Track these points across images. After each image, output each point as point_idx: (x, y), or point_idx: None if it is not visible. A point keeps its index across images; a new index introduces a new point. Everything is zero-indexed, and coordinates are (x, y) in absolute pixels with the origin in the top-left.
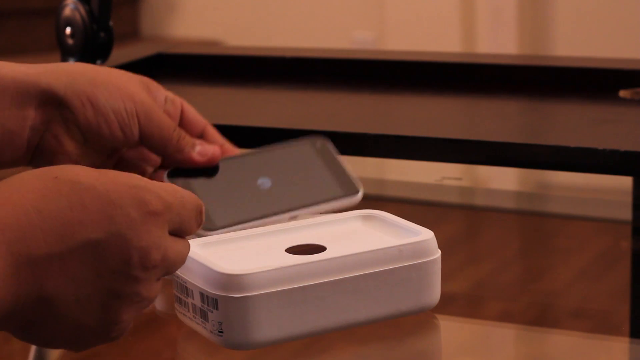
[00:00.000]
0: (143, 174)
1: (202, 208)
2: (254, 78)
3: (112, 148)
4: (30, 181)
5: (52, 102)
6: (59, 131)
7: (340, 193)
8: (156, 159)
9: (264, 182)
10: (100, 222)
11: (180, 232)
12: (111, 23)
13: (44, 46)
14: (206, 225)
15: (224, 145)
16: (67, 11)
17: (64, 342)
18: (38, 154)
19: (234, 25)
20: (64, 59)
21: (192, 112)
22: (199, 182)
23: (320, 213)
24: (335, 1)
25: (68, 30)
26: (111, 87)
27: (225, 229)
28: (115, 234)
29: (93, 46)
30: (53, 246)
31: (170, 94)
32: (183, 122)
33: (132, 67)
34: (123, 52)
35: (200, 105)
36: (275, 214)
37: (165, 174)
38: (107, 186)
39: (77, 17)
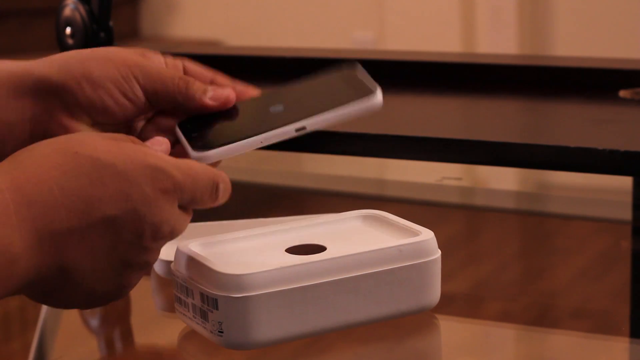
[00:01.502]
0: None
1: (218, 183)
2: (254, 78)
3: (124, 119)
4: (52, 156)
5: (49, 90)
6: (63, 118)
7: (352, 97)
8: (172, 123)
9: (277, 108)
10: (118, 199)
11: (193, 206)
12: (111, 23)
13: (44, 46)
14: (211, 142)
15: (237, 85)
16: (67, 11)
17: (77, 304)
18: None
19: (234, 25)
20: None
21: (195, 67)
22: (206, 121)
23: (332, 123)
24: (335, 1)
25: (68, 30)
26: (102, 60)
27: (232, 144)
28: (131, 210)
29: (93, 46)
30: (73, 221)
31: (169, 57)
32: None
33: None
34: None
35: None
36: (280, 126)
37: (176, 126)
38: (125, 164)
39: (77, 17)
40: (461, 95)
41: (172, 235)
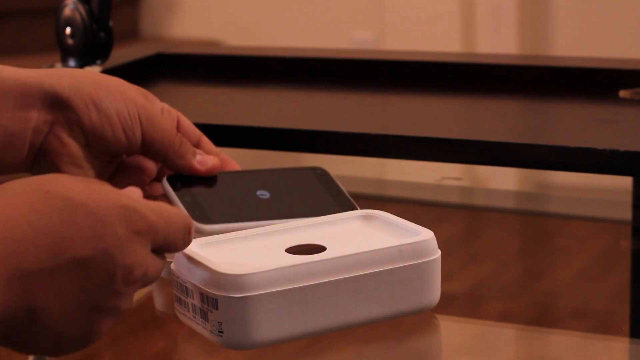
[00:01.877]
0: (142, 183)
1: (190, 227)
2: (254, 78)
3: (114, 152)
4: (24, 194)
5: (55, 104)
6: (62, 133)
7: (337, 209)
8: (153, 170)
9: (263, 194)
10: (90, 239)
11: (164, 250)
12: (111, 23)
13: (44, 46)
14: (201, 219)
15: (220, 154)
16: (67, 11)
17: (43, 350)
18: (40, 156)
19: (234, 25)
20: (64, 58)
21: (187, 123)
22: (197, 188)
23: None
24: (335, 1)
25: (68, 30)
26: (114, 90)
27: (221, 226)
28: (102, 252)
29: (93, 46)
30: (44, 261)
31: (166, 105)
32: (179, 131)
33: (132, 67)
34: (123, 52)
35: (200, 105)
36: (271, 218)
37: (164, 179)
38: (98, 203)
39: (77, 17)
40: (461, 95)
41: (144, 279)
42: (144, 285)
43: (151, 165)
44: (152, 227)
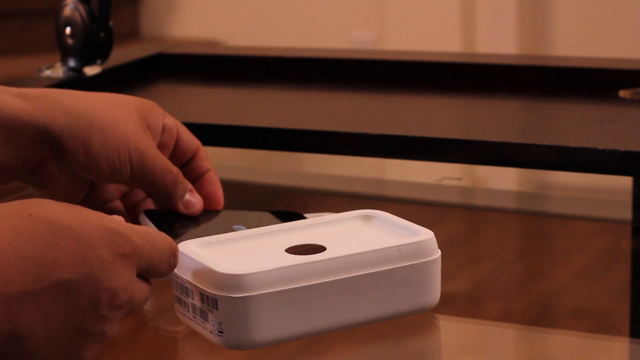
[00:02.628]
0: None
1: (175, 251)
2: (254, 78)
3: (103, 182)
4: (6, 218)
5: (47, 142)
6: (51, 167)
7: None
8: (122, 191)
9: (239, 228)
10: (74, 262)
11: (149, 274)
12: (111, 23)
13: (44, 46)
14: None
15: (210, 171)
16: (67, 11)
17: None
18: (27, 179)
19: (234, 25)
20: (64, 58)
21: (186, 136)
22: (176, 221)
23: None
24: (335, 1)
25: (68, 30)
26: (107, 132)
27: None
28: (87, 275)
29: (93, 46)
30: (28, 285)
31: (168, 121)
32: (176, 148)
33: (132, 67)
34: (123, 52)
35: (200, 105)
36: None
37: (142, 213)
38: (81, 226)
39: (77, 17)
40: (461, 95)
41: (130, 304)
42: (131, 310)
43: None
44: (137, 250)
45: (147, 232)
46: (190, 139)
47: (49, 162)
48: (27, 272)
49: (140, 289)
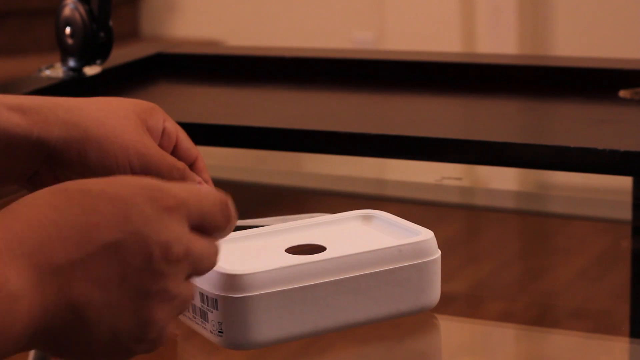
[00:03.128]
0: None
1: (227, 200)
2: (254, 78)
3: None
4: (41, 195)
5: (41, 155)
6: (47, 177)
7: None
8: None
9: None
10: (116, 223)
11: (207, 228)
12: (111, 23)
13: (44, 46)
14: None
15: (208, 183)
16: (67, 11)
17: (102, 354)
18: (24, 186)
19: (234, 25)
20: (64, 58)
21: (185, 143)
22: None
23: None
24: (335, 1)
25: (68, 30)
26: (103, 141)
27: None
28: (133, 233)
29: (93, 46)
30: (73, 254)
31: (168, 125)
32: (174, 154)
33: (132, 67)
34: (123, 52)
35: (200, 105)
36: None
37: None
38: (117, 188)
39: (77, 17)
40: (461, 95)
41: (188, 257)
42: (195, 267)
43: None
44: (182, 202)
45: (190, 186)
46: (189, 147)
47: (45, 173)
48: (70, 241)
49: (199, 242)
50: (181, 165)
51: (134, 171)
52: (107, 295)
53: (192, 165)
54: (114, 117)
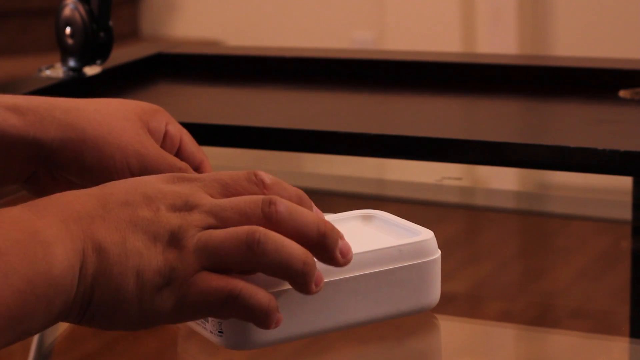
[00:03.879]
0: None
1: (255, 171)
2: (254, 78)
3: None
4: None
5: (38, 156)
6: (45, 177)
7: None
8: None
9: None
10: (129, 190)
11: (231, 192)
12: (111, 23)
13: (44, 46)
14: None
15: None
16: (67, 11)
17: (132, 311)
18: (22, 186)
19: (234, 25)
20: (64, 58)
21: (190, 146)
22: None
23: None
24: (335, 1)
25: (68, 30)
26: (100, 142)
27: None
28: (143, 195)
29: (93, 46)
30: (92, 210)
31: (171, 128)
32: (179, 157)
33: (132, 67)
34: (123, 52)
35: (200, 105)
36: None
37: None
38: (135, 178)
39: (77, 17)
40: (461, 95)
41: (188, 206)
42: (211, 218)
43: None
44: (198, 176)
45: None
46: (193, 151)
47: (42, 173)
48: (89, 203)
49: (198, 192)
50: (183, 165)
51: (132, 172)
52: (124, 239)
53: (197, 169)
54: (112, 118)
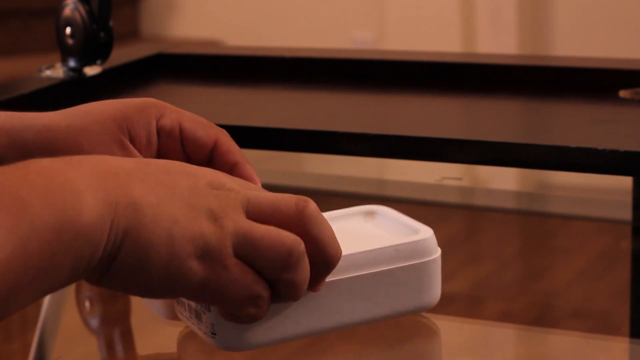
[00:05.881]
0: None
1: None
2: (254, 78)
3: None
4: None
5: (41, 146)
6: None
7: None
8: None
9: None
10: (170, 162)
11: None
12: (111, 23)
13: (44, 46)
14: None
15: (238, 165)
16: (67, 11)
17: (160, 274)
18: None
19: (234, 25)
20: (64, 58)
21: (193, 134)
22: None
23: None
24: (335, 1)
25: (68, 30)
26: (96, 132)
27: None
28: (185, 172)
29: (93, 46)
30: (130, 168)
31: (165, 123)
32: (187, 148)
33: (132, 67)
34: (123, 52)
35: (200, 105)
36: None
37: None
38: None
39: (77, 17)
40: (461, 95)
41: (226, 187)
42: (247, 202)
43: None
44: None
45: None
46: (201, 135)
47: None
48: (130, 163)
49: (238, 182)
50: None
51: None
52: (161, 202)
53: (213, 152)
54: (85, 133)
